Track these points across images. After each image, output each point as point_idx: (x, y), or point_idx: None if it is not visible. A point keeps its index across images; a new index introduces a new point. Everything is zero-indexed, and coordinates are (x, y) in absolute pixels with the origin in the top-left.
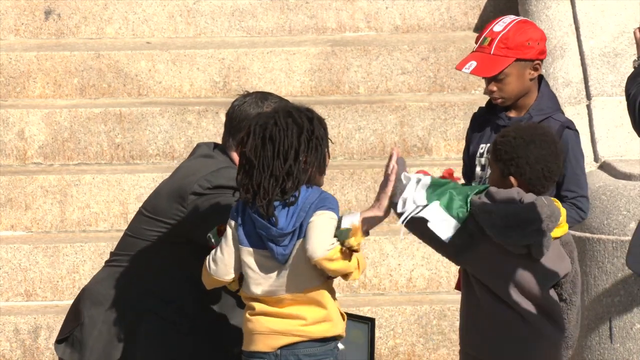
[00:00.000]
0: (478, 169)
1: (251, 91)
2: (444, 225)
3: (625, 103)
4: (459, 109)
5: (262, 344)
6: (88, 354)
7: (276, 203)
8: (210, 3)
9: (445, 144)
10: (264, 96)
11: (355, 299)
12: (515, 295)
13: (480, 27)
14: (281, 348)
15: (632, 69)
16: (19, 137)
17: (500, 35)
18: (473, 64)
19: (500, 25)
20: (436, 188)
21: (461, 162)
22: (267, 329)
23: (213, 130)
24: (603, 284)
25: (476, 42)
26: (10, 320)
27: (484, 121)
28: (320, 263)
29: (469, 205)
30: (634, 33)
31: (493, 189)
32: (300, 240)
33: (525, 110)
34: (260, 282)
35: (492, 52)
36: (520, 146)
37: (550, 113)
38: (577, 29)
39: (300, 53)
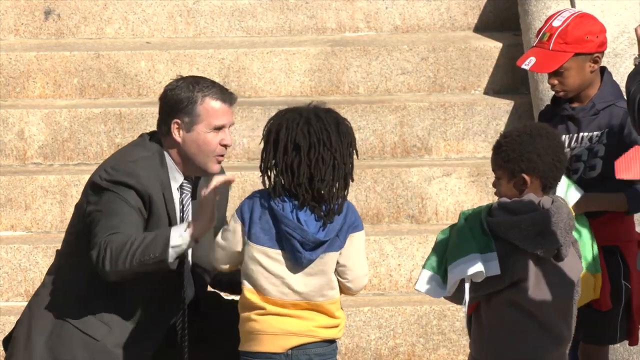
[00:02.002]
0: None
1: (186, 77)
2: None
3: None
4: (459, 109)
5: (272, 345)
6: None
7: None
8: (210, 3)
9: (445, 144)
10: (195, 80)
11: (355, 299)
12: (542, 300)
13: (480, 27)
14: (292, 348)
15: (633, 67)
16: (18, 137)
17: (559, 30)
18: (532, 60)
19: (559, 20)
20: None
21: (460, 162)
22: (278, 329)
23: None
24: None
25: (536, 37)
26: (10, 320)
27: (551, 116)
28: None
29: (485, 227)
30: (635, 31)
31: (503, 200)
32: (331, 253)
33: (587, 100)
34: (274, 282)
35: (550, 48)
36: (526, 141)
37: (613, 100)
38: None
39: (300, 53)
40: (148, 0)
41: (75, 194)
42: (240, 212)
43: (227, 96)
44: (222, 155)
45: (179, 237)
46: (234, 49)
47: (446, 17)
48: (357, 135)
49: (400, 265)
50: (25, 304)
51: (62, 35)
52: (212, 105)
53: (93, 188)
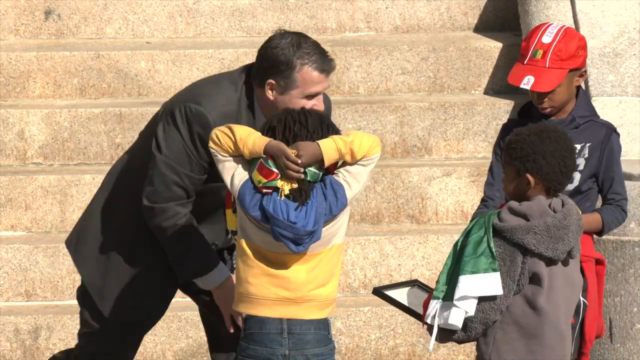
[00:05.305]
0: None
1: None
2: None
3: (625, 103)
4: (459, 109)
5: (269, 310)
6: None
7: (291, 203)
8: (210, 3)
9: (445, 144)
10: (297, 42)
11: (356, 299)
12: (555, 302)
13: (480, 27)
14: (290, 357)
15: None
16: (19, 137)
17: (552, 47)
18: (531, 79)
19: (548, 35)
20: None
21: (460, 162)
22: (274, 294)
23: None
24: None
25: (523, 53)
26: (11, 320)
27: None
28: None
29: (490, 241)
30: None
31: (513, 204)
32: (330, 222)
33: (566, 114)
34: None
35: (547, 66)
36: (535, 142)
37: (591, 116)
38: (577, 29)
39: None
40: (148, 0)
41: (75, 194)
42: (241, 200)
43: (326, 65)
44: None
45: (206, 280)
46: (234, 49)
47: (446, 17)
48: None
49: (400, 265)
50: (25, 304)
51: (62, 35)
52: (310, 74)
53: (166, 116)
